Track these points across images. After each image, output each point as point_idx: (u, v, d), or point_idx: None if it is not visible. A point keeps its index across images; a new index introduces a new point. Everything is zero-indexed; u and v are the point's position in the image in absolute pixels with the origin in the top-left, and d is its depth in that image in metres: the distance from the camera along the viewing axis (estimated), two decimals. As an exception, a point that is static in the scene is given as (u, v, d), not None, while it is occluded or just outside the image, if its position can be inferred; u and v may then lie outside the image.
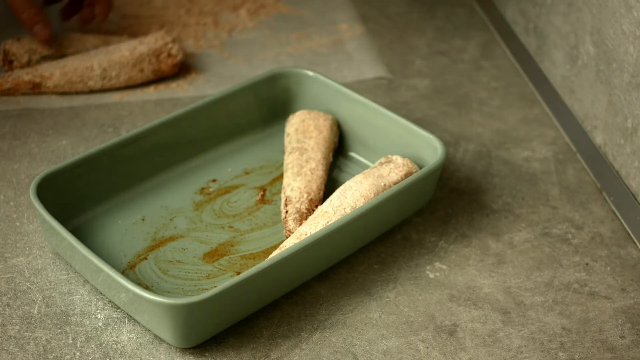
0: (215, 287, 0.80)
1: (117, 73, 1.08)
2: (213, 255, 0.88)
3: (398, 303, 0.86)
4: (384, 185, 0.90)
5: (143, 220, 0.91)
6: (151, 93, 1.09)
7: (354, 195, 0.88)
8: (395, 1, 1.29)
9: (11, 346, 0.80)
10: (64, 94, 1.08)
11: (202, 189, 0.95)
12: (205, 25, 1.20)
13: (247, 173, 0.98)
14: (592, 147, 1.02)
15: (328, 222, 0.86)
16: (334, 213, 0.87)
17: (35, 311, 0.83)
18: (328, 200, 0.89)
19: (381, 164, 0.93)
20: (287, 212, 0.91)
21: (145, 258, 0.88)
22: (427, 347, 0.82)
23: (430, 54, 1.19)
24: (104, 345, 0.80)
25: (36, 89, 1.07)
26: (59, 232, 0.83)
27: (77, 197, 0.90)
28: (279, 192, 0.95)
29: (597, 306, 0.86)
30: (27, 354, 0.79)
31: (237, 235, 0.90)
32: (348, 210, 0.87)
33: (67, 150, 1.00)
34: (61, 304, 0.84)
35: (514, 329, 0.84)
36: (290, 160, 0.95)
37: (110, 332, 0.82)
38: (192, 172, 0.97)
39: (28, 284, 0.86)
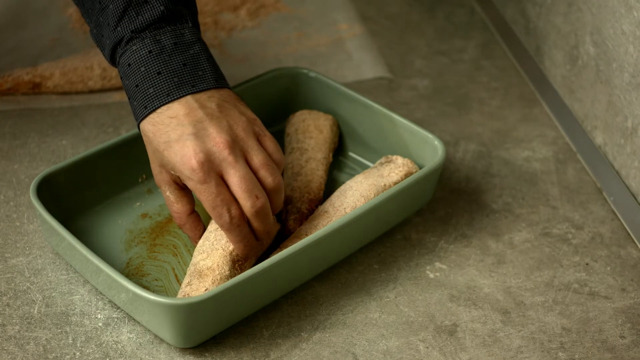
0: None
1: (117, 73, 1.08)
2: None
3: (398, 303, 0.86)
4: (384, 185, 0.90)
5: (143, 219, 0.91)
6: (151, 93, 1.09)
7: (354, 195, 0.88)
8: (395, 1, 1.29)
9: (11, 346, 0.80)
10: (64, 94, 1.08)
11: (202, 189, 0.95)
12: (205, 25, 1.20)
13: (247, 173, 0.98)
14: (592, 147, 1.02)
15: (328, 222, 0.86)
16: (334, 213, 0.87)
17: (35, 311, 0.83)
18: (328, 200, 0.89)
19: (381, 164, 0.93)
20: (287, 212, 0.90)
21: (146, 257, 0.88)
22: (427, 347, 0.82)
23: (430, 54, 1.19)
24: (104, 345, 0.80)
25: (36, 89, 1.07)
26: (59, 232, 0.83)
27: (77, 197, 0.90)
28: (279, 192, 0.95)
29: (597, 306, 0.86)
30: (27, 354, 0.79)
31: (237, 235, 0.90)
32: (348, 210, 0.87)
33: (67, 150, 1.00)
34: (61, 304, 0.84)
35: (514, 329, 0.84)
36: (290, 160, 0.95)
37: (110, 332, 0.82)
38: (192, 172, 0.97)
39: (28, 284, 0.86)
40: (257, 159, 0.81)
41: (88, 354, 0.80)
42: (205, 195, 0.79)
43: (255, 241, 0.82)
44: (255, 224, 0.81)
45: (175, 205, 0.83)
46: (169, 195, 0.83)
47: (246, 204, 0.79)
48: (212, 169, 0.79)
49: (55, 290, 0.85)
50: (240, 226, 0.80)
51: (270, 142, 0.83)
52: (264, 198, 0.80)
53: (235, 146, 0.80)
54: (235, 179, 0.79)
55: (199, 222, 0.85)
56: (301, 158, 0.95)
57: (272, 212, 0.83)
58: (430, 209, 0.96)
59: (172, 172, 0.81)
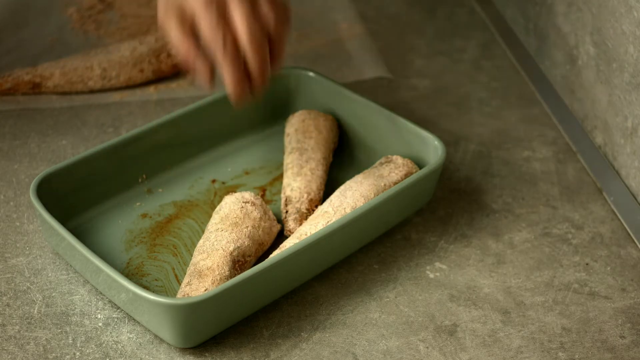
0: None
1: (117, 73, 1.08)
2: (213, 255, 0.88)
3: (398, 303, 0.86)
4: (384, 185, 0.90)
5: (143, 219, 0.91)
6: (151, 93, 1.09)
7: (354, 195, 0.88)
8: (395, 1, 1.29)
9: (11, 346, 0.80)
10: (64, 94, 1.08)
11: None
12: (205, 25, 1.20)
13: (247, 173, 0.98)
14: (592, 147, 1.02)
15: (328, 222, 0.86)
16: (334, 213, 0.87)
17: (35, 311, 0.83)
18: (328, 200, 0.89)
19: (381, 164, 0.93)
20: (287, 212, 0.91)
21: (146, 257, 0.88)
22: (427, 347, 0.82)
23: (430, 54, 1.19)
24: (104, 345, 0.80)
25: (36, 89, 1.07)
26: (59, 232, 0.83)
27: (77, 197, 0.90)
28: (279, 192, 0.95)
29: (597, 306, 0.86)
30: (27, 354, 0.79)
31: (237, 235, 0.90)
32: (348, 210, 0.87)
33: (67, 150, 1.00)
34: (61, 304, 0.84)
35: (514, 329, 0.84)
36: (290, 160, 0.95)
37: (110, 332, 0.82)
38: (192, 172, 0.97)
39: (28, 284, 0.86)
40: (264, 4, 0.82)
41: (88, 354, 0.80)
42: (205, 20, 0.81)
43: (246, 83, 0.83)
44: (249, 54, 0.82)
45: (181, 37, 0.83)
46: (175, 27, 0.83)
47: (243, 30, 0.81)
48: (216, 1, 0.81)
49: (55, 290, 0.85)
50: (233, 57, 0.81)
51: None
52: (262, 32, 0.81)
53: None
54: (237, 13, 0.81)
55: (206, 54, 0.83)
56: (301, 158, 0.95)
57: (272, 57, 0.84)
58: (430, 209, 0.96)
59: (180, 12, 0.82)
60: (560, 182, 1.00)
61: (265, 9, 0.82)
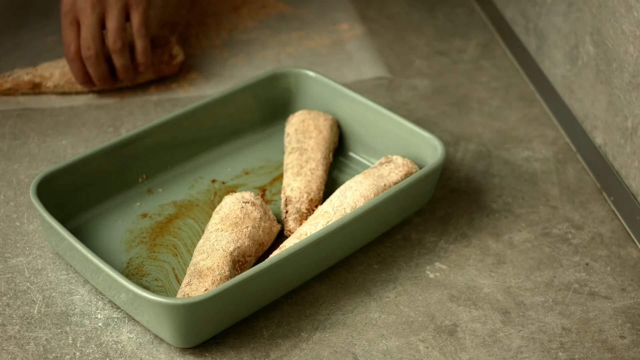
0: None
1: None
2: (213, 255, 0.88)
3: (398, 303, 0.86)
4: (384, 185, 0.90)
5: (143, 219, 0.92)
6: (151, 93, 1.09)
7: (354, 195, 0.88)
8: (395, 1, 1.29)
9: (11, 346, 0.80)
10: (64, 94, 1.08)
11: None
12: (206, 25, 1.20)
13: (247, 173, 0.98)
14: (592, 147, 1.02)
15: (328, 222, 0.86)
16: (334, 213, 0.87)
17: (35, 311, 0.83)
18: (328, 200, 0.89)
19: (381, 164, 0.93)
20: (287, 212, 0.91)
21: (146, 257, 0.88)
22: (427, 347, 0.82)
23: (430, 54, 1.19)
24: (104, 345, 0.80)
25: (36, 89, 1.07)
26: (59, 232, 0.83)
27: (77, 197, 0.90)
28: (279, 192, 0.95)
29: (597, 306, 0.86)
30: (27, 354, 0.79)
31: (237, 235, 0.90)
32: (348, 210, 0.87)
33: (67, 150, 1.01)
34: (61, 304, 0.84)
35: (514, 329, 0.84)
36: (290, 160, 0.95)
37: (110, 332, 0.82)
38: (192, 172, 0.97)
39: (28, 284, 0.86)
40: (111, 23, 1.01)
41: (88, 354, 0.80)
42: (62, 27, 1.01)
43: (88, 79, 1.03)
44: (87, 66, 1.02)
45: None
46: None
47: (82, 48, 1.01)
48: (71, 12, 1.00)
49: (55, 290, 0.85)
50: (74, 62, 1.02)
51: (137, 16, 1.02)
52: (95, 50, 1.01)
53: (98, 4, 0.99)
54: (83, 26, 1.00)
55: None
56: (301, 158, 0.95)
57: (117, 70, 1.03)
58: (430, 209, 0.96)
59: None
60: (560, 182, 1.00)
61: (110, 25, 1.00)
